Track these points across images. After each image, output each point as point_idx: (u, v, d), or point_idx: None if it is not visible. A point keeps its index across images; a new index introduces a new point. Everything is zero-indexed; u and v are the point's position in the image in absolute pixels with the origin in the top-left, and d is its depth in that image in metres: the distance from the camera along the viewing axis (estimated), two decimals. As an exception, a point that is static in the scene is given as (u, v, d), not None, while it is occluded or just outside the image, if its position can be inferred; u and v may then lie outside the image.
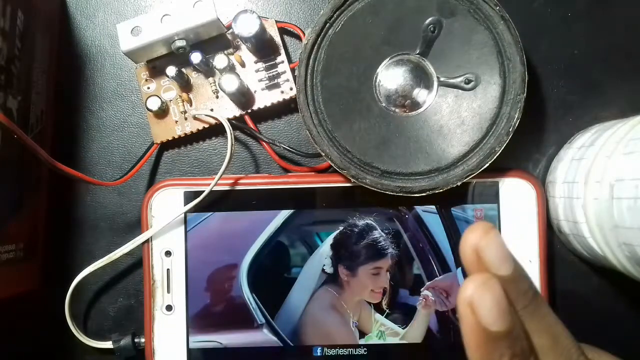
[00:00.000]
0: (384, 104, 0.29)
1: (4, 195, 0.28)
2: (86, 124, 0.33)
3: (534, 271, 0.30)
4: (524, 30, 0.29)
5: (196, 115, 0.31)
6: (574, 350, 0.20)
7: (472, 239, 0.18)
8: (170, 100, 0.32)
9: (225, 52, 0.31)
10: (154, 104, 0.31)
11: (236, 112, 0.32)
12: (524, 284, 0.19)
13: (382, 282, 0.31)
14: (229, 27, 0.31)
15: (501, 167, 0.30)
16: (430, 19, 0.28)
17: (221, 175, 0.30)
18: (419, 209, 0.31)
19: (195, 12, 0.29)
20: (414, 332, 0.31)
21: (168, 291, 0.31)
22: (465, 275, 0.31)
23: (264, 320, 0.31)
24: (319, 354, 0.31)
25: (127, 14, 0.34)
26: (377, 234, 0.31)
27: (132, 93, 0.33)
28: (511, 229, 0.30)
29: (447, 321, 0.31)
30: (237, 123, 0.32)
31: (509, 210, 0.31)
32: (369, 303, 0.31)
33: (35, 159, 0.26)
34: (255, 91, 0.32)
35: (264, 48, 0.31)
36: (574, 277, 0.32)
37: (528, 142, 0.32)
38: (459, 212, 0.31)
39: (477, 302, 0.18)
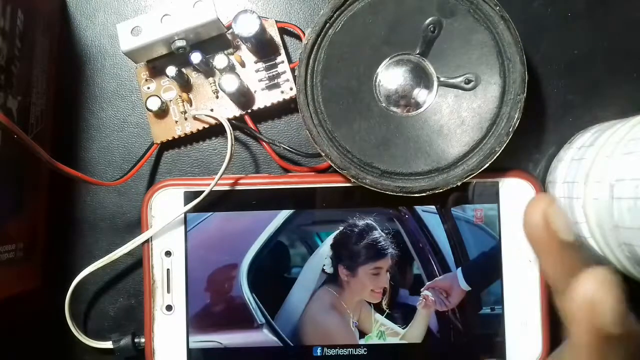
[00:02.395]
0: (384, 104, 0.29)
1: (4, 195, 0.28)
2: (86, 124, 0.33)
3: (534, 271, 0.30)
4: (524, 30, 0.29)
5: (196, 115, 0.31)
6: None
7: (541, 206, 0.19)
8: (170, 100, 0.32)
9: (225, 52, 0.31)
10: (154, 104, 0.31)
11: (236, 112, 0.32)
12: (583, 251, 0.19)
13: (382, 282, 0.31)
14: (229, 27, 0.31)
15: (501, 167, 0.30)
16: (430, 19, 0.28)
17: (221, 175, 0.30)
18: (419, 209, 0.31)
19: (195, 12, 0.29)
20: (414, 332, 0.31)
21: (168, 291, 0.31)
22: (465, 275, 0.31)
23: (264, 320, 0.31)
24: (319, 354, 0.31)
25: (127, 14, 0.34)
26: (377, 234, 0.31)
27: (132, 93, 0.33)
28: (511, 229, 0.30)
29: (447, 321, 0.31)
30: (237, 123, 0.32)
31: (509, 210, 0.31)
32: (369, 303, 0.31)
33: (35, 159, 0.26)
34: (255, 91, 0.32)
35: (264, 48, 0.31)
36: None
37: (528, 142, 0.32)
38: (459, 212, 0.31)
39: (600, 302, 0.17)
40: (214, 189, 0.30)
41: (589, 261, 0.18)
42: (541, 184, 0.31)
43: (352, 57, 0.29)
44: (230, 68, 0.31)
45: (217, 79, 0.31)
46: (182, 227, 0.31)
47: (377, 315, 0.31)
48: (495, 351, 0.31)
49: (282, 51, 0.32)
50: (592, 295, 0.17)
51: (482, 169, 0.28)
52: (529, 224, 0.19)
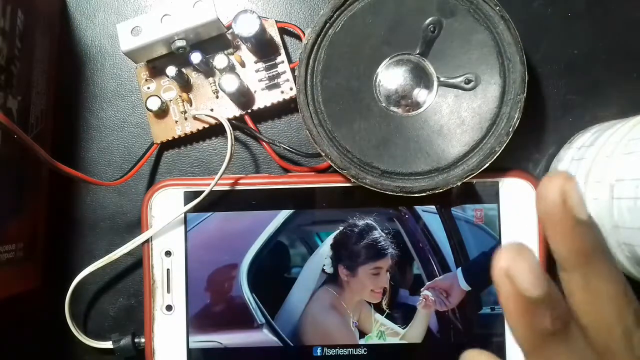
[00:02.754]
0: (384, 104, 0.29)
1: (4, 195, 0.28)
2: (86, 124, 0.33)
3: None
4: (524, 30, 0.29)
5: (196, 115, 0.31)
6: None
7: (559, 181, 0.18)
8: (170, 100, 0.32)
9: (225, 52, 0.31)
10: (154, 104, 0.31)
11: (236, 112, 0.32)
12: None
13: (382, 282, 0.31)
14: (229, 27, 0.31)
15: (501, 167, 0.30)
16: (430, 19, 0.28)
17: (221, 175, 0.30)
18: (419, 209, 0.31)
19: (195, 12, 0.29)
20: (414, 332, 0.31)
21: (168, 291, 0.31)
22: (465, 275, 0.31)
23: (264, 320, 0.31)
24: (319, 354, 0.31)
25: (127, 14, 0.34)
26: (377, 234, 0.31)
27: (132, 93, 0.33)
28: (511, 229, 0.30)
29: (447, 321, 0.31)
30: (237, 123, 0.32)
31: (509, 210, 0.31)
32: (369, 303, 0.31)
33: (35, 159, 0.26)
34: (255, 91, 0.32)
35: (264, 48, 0.31)
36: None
37: (528, 142, 0.32)
38: (459, 212, 0.31)
39: (514, 270, 0.18)
40: (214, 189, 0.30)
41: (599, 241, 0.19)
42: (541, 184, 0.31)
43: (352, 57, 0.29)
44: (230, 68, 0.31)
45: (217, 79, 0.31)
46: (182, 227, 0.31)
47: (377, 315, 0.31)
48: (495, 351, 0.31)
49: (282, 51, 0.32)
50: (507, 266, 0.18)
51: (482, 169, 0.28)
52: (544, 199, 0.18)
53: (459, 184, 0.28)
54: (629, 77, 0.32)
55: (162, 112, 0.32)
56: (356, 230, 0.31)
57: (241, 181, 0.31)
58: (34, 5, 0.30)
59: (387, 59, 0.29)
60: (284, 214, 0.31)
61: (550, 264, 0.31)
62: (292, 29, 0.32)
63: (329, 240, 0.31)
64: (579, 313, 0.19)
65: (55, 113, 0.33)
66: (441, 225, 0.31)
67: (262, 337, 0.31)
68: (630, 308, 0.19)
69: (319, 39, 0.29)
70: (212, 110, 0.32)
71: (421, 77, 0.29)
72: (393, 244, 0.31)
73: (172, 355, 0.31)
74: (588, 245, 0.18)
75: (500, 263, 0.18)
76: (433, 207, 0.31)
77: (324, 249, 0.31)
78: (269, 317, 0.31)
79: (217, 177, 0.30)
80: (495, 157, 0.28)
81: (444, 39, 0.29)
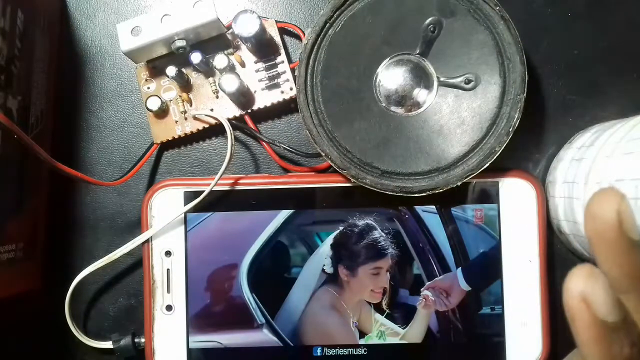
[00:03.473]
0: (384, 104, 0.29)
1: (4, 195, 0.28)
2: (86, 124, 0.33)
3: (534, 271, 0.30)
4: (524, 30, 0.29)
5: (196, 115, 0.31)
6: None
7: (615, 200, 0.17)
8: (170, 100, 0.32)
9: (225, 52, 0.31)
10: (154, 104, 0.31)
11: (236, 112, 0.32)
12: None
13: (382, 282, 0.31)
14: (229, 27, 0.31)
15: (501, 167, 0.30)
16: (430, 19, 0.28)
17: (221, 175, 0.30)
18: (419, 209, 0.31)
19: (195, 12, 0.29)
20: (414, 332, 0.31)
21: (168, 291, 0.31)
22: (465, 275, 0.31)
23: (264, 320, 0.31)
24: (319, 354, 0.31)
25: (127, 14, 0.34)
26: (377, 234, 0.31)
27: (132, 93, 0.33)
28: (511, 229, 0.30)
29: (447, 321, 0.31)
30: (237, 123, 0.32)
31: (509, 210, 0.31)
32: (369, 303, 0.31)
33: (35, 159, 0.26)
34: (255, 91, 0.32)
35: (264, 48, 0.31)
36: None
37: (528, 142, 0.32)
38: (459, 212, 0.31)
39: (591, 295, 0.17)
40: (214, 189, 0.30)
41: None
42: (541, 184, 0.31)
43: (352, 57, 0.29)
44: (230, 68, 0.31)
45: (217, 79, 0.31)
46: (182, 227, 0.31)
47: (377, 315, 0.31)
48: (495, 351, 0.31)
49: (282, 51, 0.32)
50: (583, 291, 0.17)
51: (482, 169, 0.28)
52: (597, 218, 0.17)
53: (459, 184, 0.28)
54: (629, 77, 0.32)
55: (162, 112, 0.32)
56: (356, 230, 0.31)
57: (241, 181, 0.31)
58: (34, 5, 0.30)
59: (387, 59, 0.29)
60: (284, 214, 0.31)
61: (551, 264, 0.31)
62: (292, 29, 0.32)
63: (329, 240, 0.31)
64: None
65: (55, 113, 0.33)
66: (441, 225, 0.31)
67: (262, 337, 0.31)
68: None
69: (319, 39, 0.29)
70: (212, 110, 0.32)
71: (421, 77, 0.29)
72: (393, 244, 0.31)
73: (172, 355, 0.31)
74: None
75: (575, 287, 0.17)
76: (433, 207, 0.31)
77: (324, 249, 0.31)
78: (269, 317, 0.31)
79: (217, 177, 0.30)
80: (495, 157, 0.28)
81: (444, 39, 0.29)
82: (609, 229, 0.17)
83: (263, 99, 0.32)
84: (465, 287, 0.31)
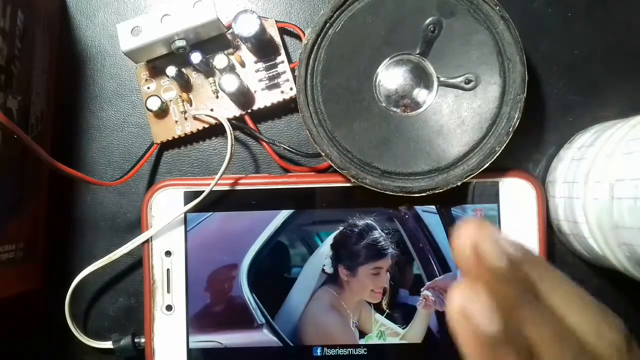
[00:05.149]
0: (384, 104, 0.29)
1: (4, 195, 0.28)
2: (86, 124, 0.33)
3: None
4: (524, 30, 0.29)
5: (196, 115, 0.31)
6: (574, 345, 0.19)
7: (470, 229, 0.18)
8: (170, 100, 0.32)
9: (225, 52, 0.31)
10: (154, 104, 0.31)
11: (236, 112, 0.32)
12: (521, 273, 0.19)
13: (382, 282, 0.31)
14: (229, 27, 0.31)
15: (501, 167, 0.30)
16: (430, 19, 0.28)
17: (221, 175, 0.30)
18: (419, 209, 0.31)
19: (195, 12, 0.29)
20: (414, 332, 0.31)
21: (168, 291, 0.31)
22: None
23: (264, 320, 0.31)
24: (319, 354, 0.31)
25: (127, 14, 0.34)
26: (377, 234, 0.31)
27: (132, 93, 0.33)
28: (511, 229, 0.30)
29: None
30: (237, 123, 0.32)
31: (509, 210, 0.31)
32: (369, 303, 0.31)
33: (35, 159, 0.26)
34: (255, 91, 0.32)
35: (264, 48, 0.31)
36: (574, 277, 0.32)
37: (528, 142, 0.32)
38: (459, 212, 0.31)
39: (469, 308, 0.17)
40: (214, 189, 0.30)
41: (527, 293, 0.18)
42: (541, 184, 0.31)
43: (352, 57, 0.29)
44: (230, 68, 0.31)
45: (217, 79, 0.31)
46: (182, 227, 0.31)
47: (377, 315, 0.31)
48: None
49: (282, 51, 0.32)
50: (461, 306, 0.17)
51: (482, 169, 0.28)
52: (455, 249, 0.18)
53: (459, 184, 0.28)
54: (629, 77, 0.32)
55: (162, 112, 0.32)
56: (356, 230, 0.31)
57: (241, 181, 0.31)
58: (34, 5, 0.30)
59: (387, 59, 0.29)
60: (284, 214, 0.31)
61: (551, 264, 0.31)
62: (292, 29, 0.32)
63: (329, 240, 0.31)
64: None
65: (55, 113, 0.33)
66: (441, 225, 0.31)
67: (262, 337, 0.31)
68: (571, 342, 0.18)
69: (319, 39, 0.29)
70: (212, 110, 0.32)
71: (421, 77, 0.29)
72: (393, 244, 0.31)
73: (172, 355, 0.31)
74: (511, 294, 0.18)
75: (454, 301, 0.17)
76: (433, 207, 0.31)
77: (324, 249, 0.31)
78: (269, 317, 0.31)
79: (217, 177, 0.30)
80: (495, 157, 0.28)
81: (444, 39, 0.29)
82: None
83: (263, 99, 0.32)
84: (465, 287, 0.31)
